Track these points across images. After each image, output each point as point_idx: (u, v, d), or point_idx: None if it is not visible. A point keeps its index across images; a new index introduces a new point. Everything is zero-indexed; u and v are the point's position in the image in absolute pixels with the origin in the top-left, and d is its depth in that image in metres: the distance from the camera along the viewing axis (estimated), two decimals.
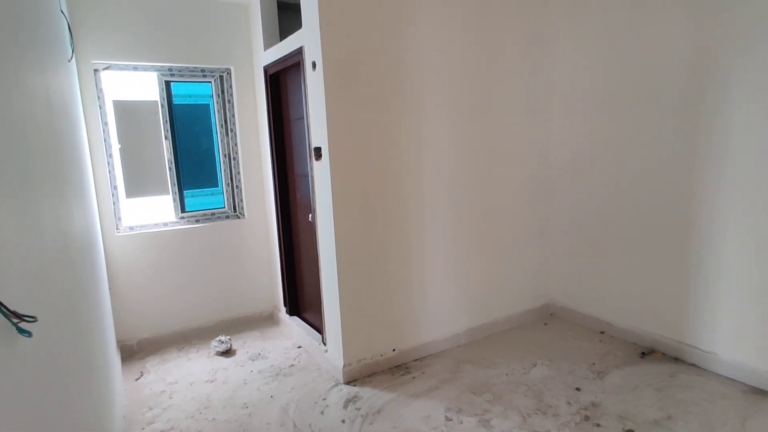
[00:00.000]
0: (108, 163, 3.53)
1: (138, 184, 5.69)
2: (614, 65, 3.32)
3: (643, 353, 3.22)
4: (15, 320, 0.73)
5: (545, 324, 3.89)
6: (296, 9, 3.74)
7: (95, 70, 3.42)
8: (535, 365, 3.18)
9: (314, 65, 2.90)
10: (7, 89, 1.04)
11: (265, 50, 3.66)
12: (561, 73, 3.70)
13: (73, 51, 2.98)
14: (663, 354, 3.20)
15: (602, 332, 3.61)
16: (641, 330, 3.35)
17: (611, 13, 3.29)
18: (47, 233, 1.31)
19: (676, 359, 3.13)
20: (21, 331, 0.74)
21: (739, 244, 2.77)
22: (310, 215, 3.33)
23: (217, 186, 6.00)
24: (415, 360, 3.35)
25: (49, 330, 1.13)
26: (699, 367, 3.01)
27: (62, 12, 2.60)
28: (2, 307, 0.68)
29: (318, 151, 3.01)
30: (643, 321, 3.34)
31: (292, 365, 3.38)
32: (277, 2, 3.79)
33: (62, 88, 2.16)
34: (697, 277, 2.99)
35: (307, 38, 2.94)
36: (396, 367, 3.27)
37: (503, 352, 3.42)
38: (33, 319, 0.77)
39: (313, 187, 3.16)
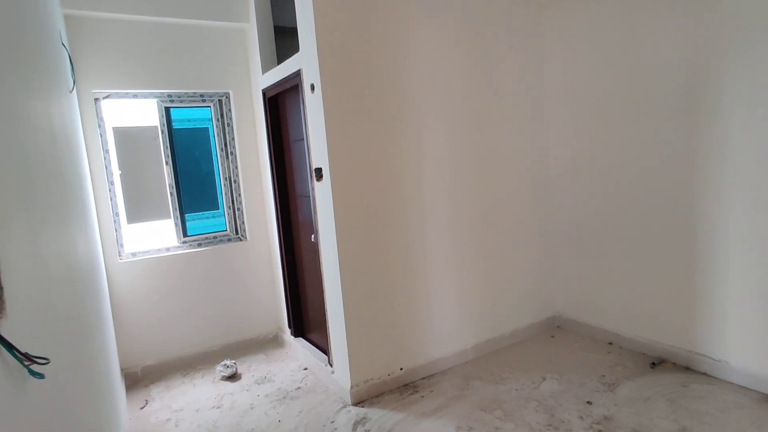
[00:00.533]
0: (109, 190, 3.54)
1: (139, 210, 5.70)
2: (610, 69, 3.35)
3: (653, 363, 3.19)
4: (27, 362, 0.72)
5: (552, 337, 3.86)
6: (292, 33, 3.79)
7: (96, 99, 3.46)
8: (544, 379, 3.14)
9: (312, 87, 2.93)
10: (13, 122, 1.05)
11: (263, 74, 3.70)
12: (557, 78, 3.74)
13: (74, 82, 3.01)
14: (673, 364, 3.16)
15: (610, 343, 3.58)
16: (650, 340, 3.32)
17: (605, 19, 3.34)
18: (53, 265, 1.30)
19: (687, 368, 3.09)
20: (33, 373, 0.73)
21: (744, 247, 2.76)
22: (312, 235, 3.33)
23: (218, 209, 6.01)
24: (423, 378, 3.31)
25: (58, 365, 1.12)
26: (710, 376, 2.97)
27: (63, 45, 2.63)
28: (14, 350, 0.67)
29: (319, 172, 3.02)
30: (651, 330, 3.31)
31: (299, 388, 3.34)
32: (274, 26, 3.84)
33: (64, 119, 2.18)
34: (704, 283, 2.97)
35: (305, 61, 2.98)
36: (404, 386, 3.23)
37: (511, 366, 3.38)
38: (45, 360, 0.76)
39: (314, 207, 3.17)
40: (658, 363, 3.19)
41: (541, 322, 3.96)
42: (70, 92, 2.68)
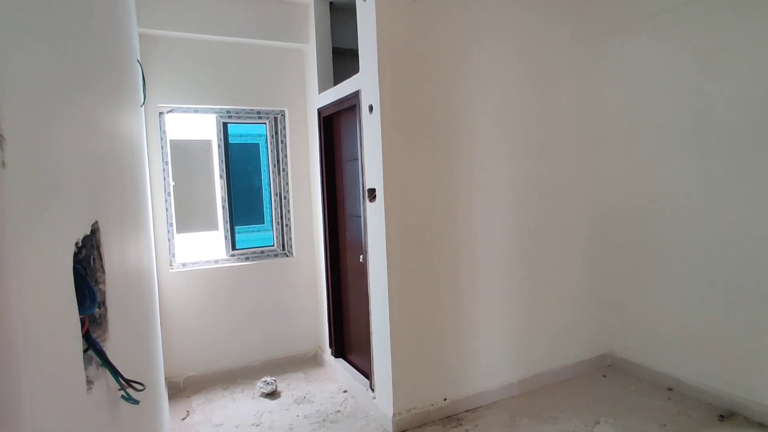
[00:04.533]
0: (166, 201, 3.64)
1: (187, 220, 5.86)
2: (674, 101, 3.20)
3: (722, 416, 2.94)
4: (126, 388, 0.70)
5: (604, 376, 3.64)
6: (349, 54, 3.85)
7: (160, 113, 3.59)
8: (598, 423, 2.95)
9: (371, 108, 2.94)
10: (113, 139, 1.07)
11: (319, 93, 3.76)
12: (616, 108, 3.60)
13: (144, 97, 3.14)
14: (745, 418, 2.90)
15: (670, 389, 3.33)
16: (716, 389, 3.07)
17: (671, 49, 3.20)
18: (130, 279, 1.31)
19: (761, 424, 2.83)
20: (129, 398, 0.71)
21: None
22: (360, 256, 3.29)
23: (263, 222, 6.10)
24: (467, 411, 3.18)
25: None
26: None
27: (138, 61, 2.75)
28: (119, 376, 0.65)
29: (372, 193, 3.00)
30: (719, 379, 3.06)
31: (339, 411, 3.27)
32: (332, 47, 3.91)
33: (136, 132, 2.26)
34: None
35: (365, 82, 3.00)
36: (447, 417, 3.11)
37: (561, 405, 3.20)
38: (142, 387, 0.74)
39: (365, 228, 3.14)
40: (727, 416, 2.93)
41: (592, 360, 3.75)
42: (141, 106, 2.79)
